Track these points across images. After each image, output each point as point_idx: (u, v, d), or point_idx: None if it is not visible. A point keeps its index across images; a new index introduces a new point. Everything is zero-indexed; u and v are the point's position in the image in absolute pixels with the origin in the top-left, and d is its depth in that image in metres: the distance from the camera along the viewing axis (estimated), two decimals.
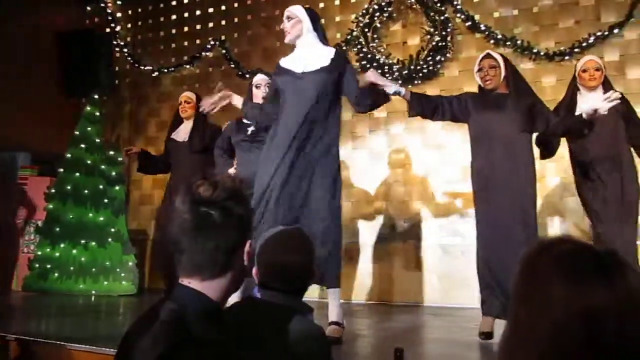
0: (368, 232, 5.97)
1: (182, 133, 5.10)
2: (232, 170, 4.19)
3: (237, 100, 3.63)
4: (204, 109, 3.67)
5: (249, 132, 4.05)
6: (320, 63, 3.33)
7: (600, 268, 0.87)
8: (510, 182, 3.45)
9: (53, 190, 6.14)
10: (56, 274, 5.87)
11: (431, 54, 5.87)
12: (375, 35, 6.18)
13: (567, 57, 5.44)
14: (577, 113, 3.73)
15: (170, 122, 5.41)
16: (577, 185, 4.04)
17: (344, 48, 6.29)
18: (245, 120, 4.04)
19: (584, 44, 5.36)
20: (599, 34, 5.33)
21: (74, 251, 5.96)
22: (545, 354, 0.85)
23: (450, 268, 5.49)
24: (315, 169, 3.24)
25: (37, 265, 5.92)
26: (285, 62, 3.46)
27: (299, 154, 3.23)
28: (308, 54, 3.39)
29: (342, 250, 3.42)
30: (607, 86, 3.95)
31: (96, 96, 6.67)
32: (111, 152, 6.55)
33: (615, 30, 5.30)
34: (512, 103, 3.53)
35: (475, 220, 3.63)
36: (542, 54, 5.53)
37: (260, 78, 4.14)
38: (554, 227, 5.28)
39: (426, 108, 3.66)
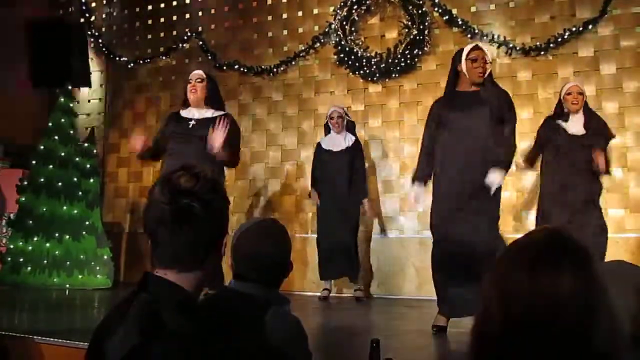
0: None
1: None
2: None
3: None
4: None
5: (190, 126, 4.13)
6: (343, 146, 5.30)
7: (569, 258, 0.89)
8: (473, 172, 3.47)
9: (26, 183, 6.02)
10: (29, 268, 5.77)
11: (409, 47, 5.89)
12: (353, 28, 6.18)
13: (542, 52, 5.51)
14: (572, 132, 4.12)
15: None
16: None
17: (322, 40, 6.28)
18: (183, 114, 4.21)
19: (559, 39, 5.43)
20: (573, 29, 5.40)
21: (48, 244, 5.86)
22: (516, 340, 0.86)
23: (427, 261, 5.50)
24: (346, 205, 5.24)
25: (9, 259, 5.82)
26: (324, 143, 5.41)
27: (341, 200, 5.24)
28: (337, 139, 5.34)
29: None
30: (587, 110, 4.24)
31: (70, 87, 6.56)
32: (85, 144, 6.45)
33: (590, 26, 5.37)
34: (482, 100, 3.53)
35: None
36: (517, 48, 5.58)
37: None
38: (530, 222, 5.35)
39: (428, 172, 3.72)
